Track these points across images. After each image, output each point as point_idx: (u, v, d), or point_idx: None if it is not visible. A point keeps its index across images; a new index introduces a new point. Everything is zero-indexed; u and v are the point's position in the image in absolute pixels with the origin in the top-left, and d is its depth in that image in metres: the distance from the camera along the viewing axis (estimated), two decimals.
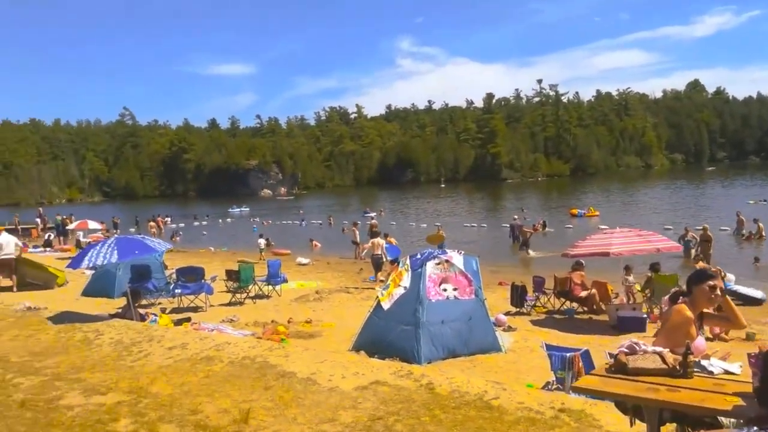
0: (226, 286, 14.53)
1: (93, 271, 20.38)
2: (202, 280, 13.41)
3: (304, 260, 23.82)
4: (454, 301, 8.97)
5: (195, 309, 13.36)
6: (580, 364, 6.39)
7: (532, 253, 24.47)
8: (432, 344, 8.48)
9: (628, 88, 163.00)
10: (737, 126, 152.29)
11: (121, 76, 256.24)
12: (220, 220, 54.54)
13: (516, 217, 31.77)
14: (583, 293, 12.05)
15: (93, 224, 29.66)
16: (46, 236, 31.24)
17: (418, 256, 9.71)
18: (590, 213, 40.52)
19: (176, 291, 13.19)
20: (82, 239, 34.11)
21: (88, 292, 15.53)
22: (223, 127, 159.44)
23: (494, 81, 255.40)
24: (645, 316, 11.25)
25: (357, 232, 26.47)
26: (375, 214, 46.77)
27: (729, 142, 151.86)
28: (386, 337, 8.82)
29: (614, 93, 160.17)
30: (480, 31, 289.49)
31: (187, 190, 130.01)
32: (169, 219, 52.25)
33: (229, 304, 14.12)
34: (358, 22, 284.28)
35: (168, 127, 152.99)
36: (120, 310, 10.82)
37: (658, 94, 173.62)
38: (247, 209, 65.59)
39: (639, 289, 12.77)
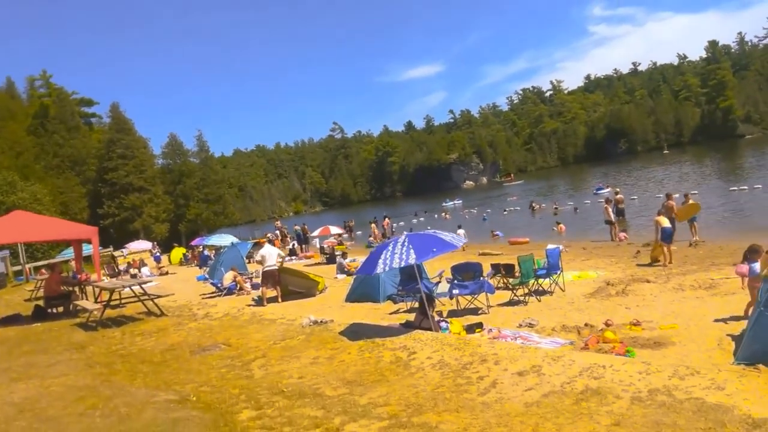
0: (503, 282, 12.55)
1: (344, 275, 20.96)
2: (481, 278, 11.57)
3: (552, 247, 21.04)
4: None
5: (474, 311, 11.60)
6: None
7: None
8: None
9: None
10: None
11: (326, 95, 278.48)
12: (436, 215, 54.10)
13: None
14: None
15: (335, 229, 30.42)
16: (290, 246, 32.93)
17: None
18: None
19: (454, 291, 11.54)
20: (321, 245, 35.87)
21: (352, 298, 14.83)
22: (419, 128, 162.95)
23: (707, 32, 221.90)
24: None
25: (610, 209, 22.94)
26: (609, 189, 41.85)
27: None
28: None
29: None
30: None
31: (394, 191, 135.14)
32: (388, 220, 53.19)
33: (509, 303, 12.12)
34: None
35: (371, 136, 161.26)
36: (414, 320, 9.38)
37: None
38: (460, 201, 64.68)
39: None
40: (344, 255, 22.57)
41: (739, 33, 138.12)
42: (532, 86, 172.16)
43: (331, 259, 26.92)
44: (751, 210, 24.73)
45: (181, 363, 8.65)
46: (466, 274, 11.63)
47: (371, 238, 37.16)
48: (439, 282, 13.16)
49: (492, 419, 4.90)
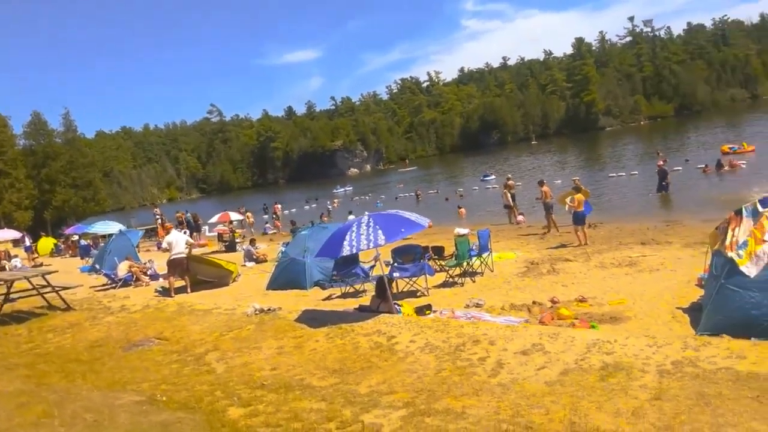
0: (439, 264, 12.56)
1: (252, 263, 20.01)
2: (421, 260, 11.48)
3: (462, 230, 21.57)
4: None
5: (413, 294, 11.49)
6: None
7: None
8: None
9: (725, 15, 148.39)
10: None
11: (200, 77, 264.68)
12: (328, 202, 53.64)
13: (661, 162, 28.05)
14: None
15: (235, 215, 28.88)
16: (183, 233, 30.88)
17: None
18: (744, 149, 35.73)
19: (394, 275, 11.36)
20: (208, 234, 33.98)
21: (275, 286, 14.16)
22: (300, 113, 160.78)
23: (570, 29, 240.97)
24: None
25: (509, 194, 23.93)
26: (494, 176, 43.96)
27: None
28: (766, 315, 6.37)
29: (708, 24, 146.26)
30: None
31: (277, 178, 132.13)
32: (280, 206, 51.79)
33: (444, 285, 12.17)
34: None
35: (251, 120, 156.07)
36: (370, 304, 9.04)
37: (755, 20, 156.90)
38: (351, 188, 64.79)
39: None
40: (253, 242, 21.51)
41: (601, 32, 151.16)
42: (410, 76, 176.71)
43: (230, 247, 25.65)
44: (632, 194, 27.03)
45: (117, 360, 7.67)
46: (406, 257, 11.51)
47: (268, 225, 35.97)
48: (374, 265, 12.88)
49: (520, 401, 4.77)
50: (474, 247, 12.89)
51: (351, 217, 26.50)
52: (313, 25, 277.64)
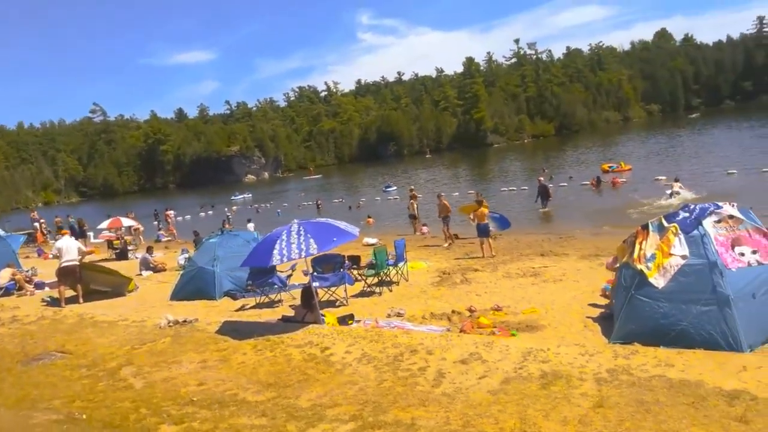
0: (357, 274, 12.54)
1: (149, 272, 18.83)
2: (341, 270, 11.39)
3: (371, 240, 21.81)
4: (759, 268, 7.20)
5: (332, 303, 11.38)
6: None
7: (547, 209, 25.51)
8: (749, 325, 6.72)
9: (600, 41, 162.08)
10: (711, 71, 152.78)
11: (82, 75, 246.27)
12: (226, 209, 51.81)
13: (542, 178, 29.98)
14: None
15: (127, 221, 26.94)
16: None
17: (681, 214, 7.84)
18: (621, 168, 39.10)
19: (314, 284, 11.16)
20: (93, 240, 31.58)
21: (181, 295, 13.49)
22: (191, 116, 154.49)
23: (460, 48, 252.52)
24: None
25: (415, 205, 24.43)
26: (396, 187, 44.73)
27: (703, 88, 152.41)
28: (674, 324, 6.97)
29: (585, 48, 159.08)
30: None
31: (167, 183, 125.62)
32: (173, 212, 49.11)
33: (362, 294, 12.18)
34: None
35: (138, 121, 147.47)
36: (295, 315, 8.81)
37: (626, 47, 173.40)
38: (250, 195, 63.00)
39: None
40: (150, 250, 20.28)
41: (488, 53, 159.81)
42: (308, 85, 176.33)
43: (121, 255, 24.04)
44: (521, 207, 28.47)
45: (17, 376, 6.92)
46: (326, 266, 11.37)
47: (161, 232, 34.06)
48: (291, 275, 12.63)
49: (468, 410, 4.86)
50: (390, 257, 13.02)
51: (250, 226, 25.79)
52: (206, 26, 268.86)
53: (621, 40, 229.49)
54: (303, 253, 7.94)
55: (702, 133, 68.83)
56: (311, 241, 7.90)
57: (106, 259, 23.78)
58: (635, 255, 7.97)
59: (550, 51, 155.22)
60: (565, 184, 34.64)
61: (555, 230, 21.05)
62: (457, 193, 36.22)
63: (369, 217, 26.87)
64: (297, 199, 52.12)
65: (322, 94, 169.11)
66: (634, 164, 39.94)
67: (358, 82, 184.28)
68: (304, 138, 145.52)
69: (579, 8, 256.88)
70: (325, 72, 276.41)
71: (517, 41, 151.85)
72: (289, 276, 12.55)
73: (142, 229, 31.62)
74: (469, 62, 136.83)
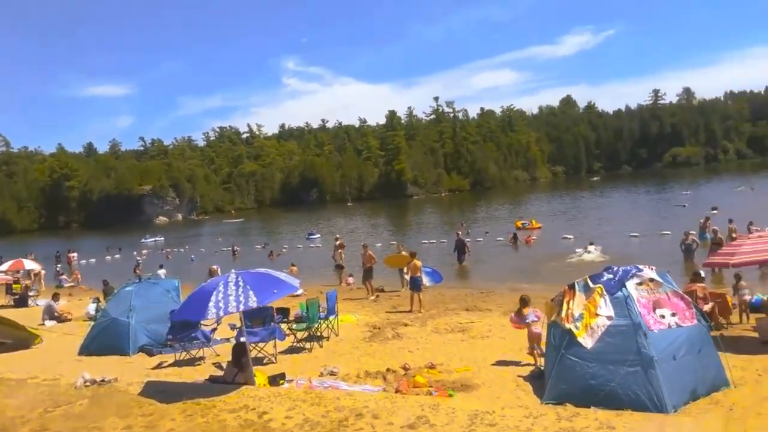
0: (287, 329, 12.18)
1: (53, 322, 17.35)
2: (272, 324, 11.05)
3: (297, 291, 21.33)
4: (678, 330, 7.70)
5: (260, 361, 10.97)
6: None
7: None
8: (672, 386, 7.14)
9: (512, 104, 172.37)
10: (611, 138, 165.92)
11: None
12: (135, 252, 49.08)
13: (459, 232, 30.83)
14: (706, 307, 11.32)
15: (30, 264, 24.86)
16: None
17: (605, 276, 8.29)
18: (532, 225, 41.02)
19: (241, 339, 10.73)
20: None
21: (90, 350, 12.59)
22: (101, 151, 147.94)
23: (382, 100, 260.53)
24: None
25: (343, 254, 24.33)
26: (319, 235, 44.47)
27: (604, 153, 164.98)
28: (603, 384, 7.29)
29: (498, 110, 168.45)
30: (364, 52, 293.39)
31: (70, 221, 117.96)
32: (75, 255, 45.63)
33: (291, 350, 11.85)
34: (243, 41, 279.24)
35: (43, 153, 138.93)
36: (225, 375, 8.37)
37: (534, 111, 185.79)
38: (162, 239, 60.24)
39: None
40: (56, 297, 18.81)
41: (409, 107, 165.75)
42: (230, 125, 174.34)
43: (21, 301, 22.18)
44: (439, 261, 28.86)
45: None
46: (255, 320, 10.99)
47: (63, 277, 31.77)
48: (216, 329, 12.07)
49: None
50: (321, 310, 12.80)
51: (161, 272, 24.54)
52: (123, 59, 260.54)
53: (530, 104, 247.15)
54: (241, 306, 7.61)
55: (603, 195, 73.96)
56: (250, 293, 7.60)
57: (2, 306, 21.86)
58: (563, 314, 8.31)
59: (466, 110, 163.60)
60: (482, 239, 35.78)
61: (476, 285, 21.55)
62: (380, 244, 36.40)
63: (293, 264, 26.36)
64: (214, 245, 50.37)
65: (244, 135, 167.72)
66: (544, 222, 42.07)
67: (282, 126, 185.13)
68: (224, 179, 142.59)
69: (493, 72, 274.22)
70: (248, 113, 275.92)
71: (436, 99, 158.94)
72: (214, 330, 12.00)
73: (43, 272, 29.38)
74: (392, 115, 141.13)
